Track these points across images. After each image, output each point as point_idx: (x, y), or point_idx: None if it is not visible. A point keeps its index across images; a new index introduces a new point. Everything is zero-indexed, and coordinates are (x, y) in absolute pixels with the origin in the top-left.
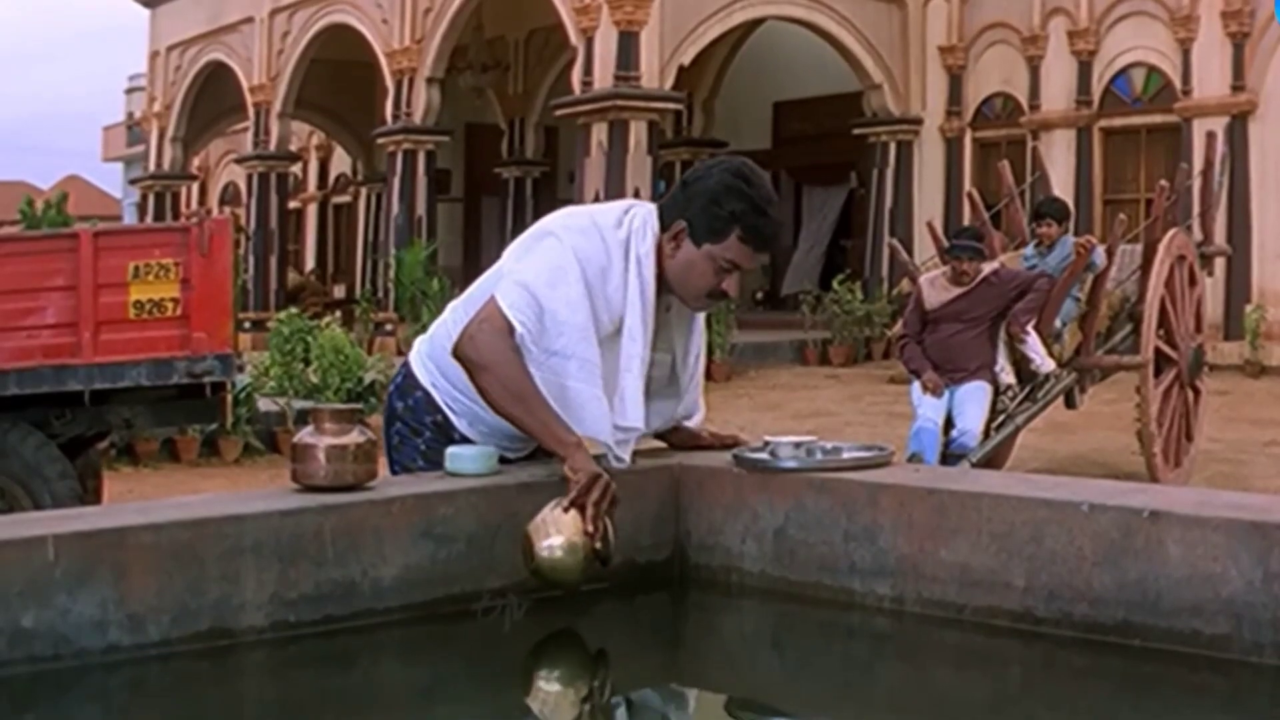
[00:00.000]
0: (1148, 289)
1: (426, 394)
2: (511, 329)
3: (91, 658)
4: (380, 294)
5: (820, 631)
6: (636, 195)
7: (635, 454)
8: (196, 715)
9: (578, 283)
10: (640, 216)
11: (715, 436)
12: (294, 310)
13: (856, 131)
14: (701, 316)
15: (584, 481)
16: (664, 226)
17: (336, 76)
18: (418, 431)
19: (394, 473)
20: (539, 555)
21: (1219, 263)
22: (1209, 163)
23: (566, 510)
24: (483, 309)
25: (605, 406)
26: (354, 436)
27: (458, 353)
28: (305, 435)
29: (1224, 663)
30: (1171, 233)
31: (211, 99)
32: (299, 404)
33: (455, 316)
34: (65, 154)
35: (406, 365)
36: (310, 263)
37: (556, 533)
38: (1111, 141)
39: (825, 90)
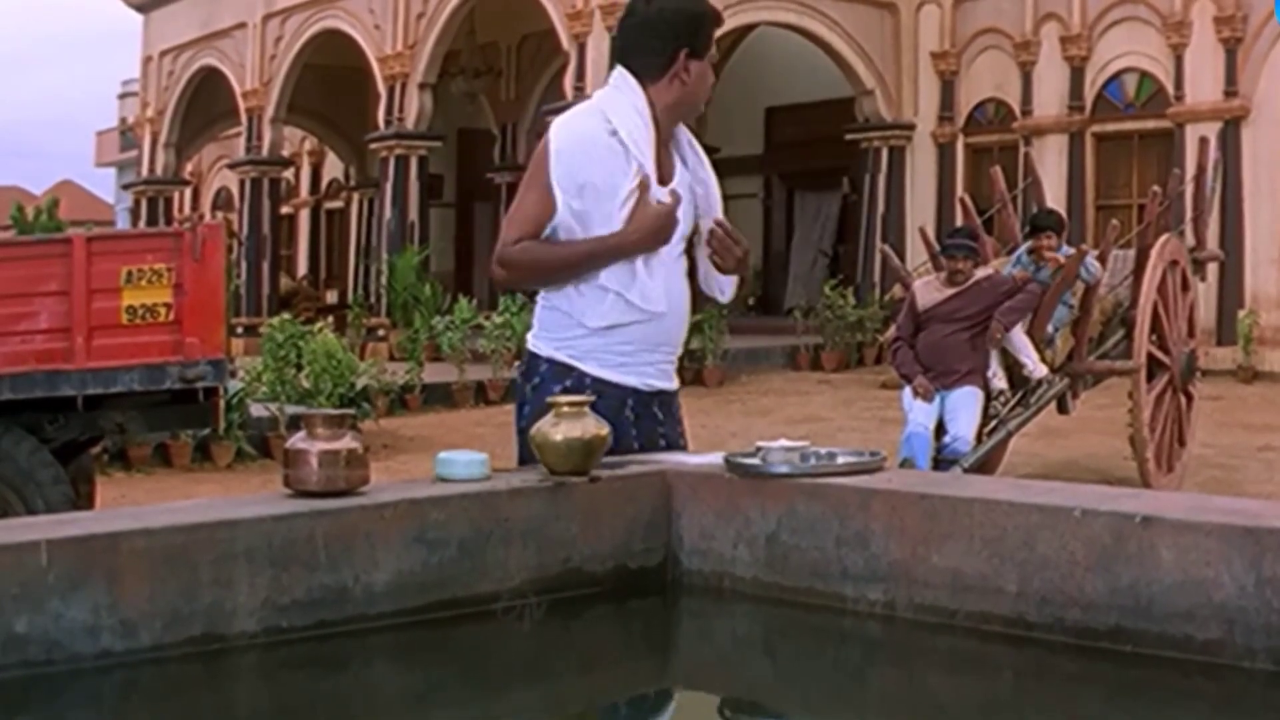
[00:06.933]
0: (1140, 294)
1: (551, 362)
2: (516, 239)
3: (84, 662)
4: (373, 299)
5: (812, 637)
6: None
7: (629, 459)
8: None
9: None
10: (604, 96)
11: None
12: (286, 316)
13: (849, 137)
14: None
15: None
16: (642, 73)
17: (329, 82)
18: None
19: (522, 459)
20: None
21: (1212, 268)
22: (1201, 168)
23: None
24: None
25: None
26: (346, 442)
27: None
28: (298, 440)
29: (1216, 668)
30: (1164, 238)
31: (204, 104)
32: (291, 409)
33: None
34: (58, 159)
35: (526, 352)
36: (303, 268)
37: None
38: (1104, 147)
39: (817, 96)
